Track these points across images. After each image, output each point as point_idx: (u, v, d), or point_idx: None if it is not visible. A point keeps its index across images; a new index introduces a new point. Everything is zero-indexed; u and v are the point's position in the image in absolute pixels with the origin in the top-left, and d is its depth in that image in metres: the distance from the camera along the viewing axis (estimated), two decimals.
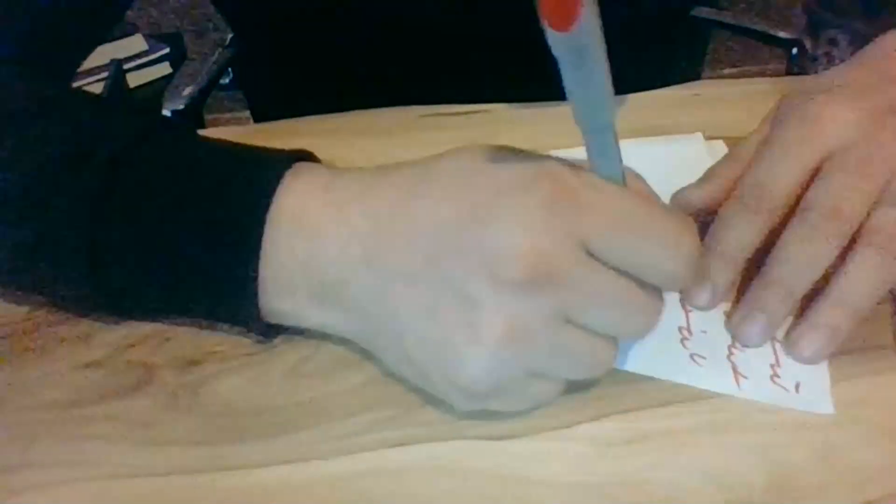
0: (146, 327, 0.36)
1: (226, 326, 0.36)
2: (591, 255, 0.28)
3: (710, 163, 0.45)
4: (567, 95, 0.27)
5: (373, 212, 0.30)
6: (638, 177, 0.32)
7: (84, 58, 0.49)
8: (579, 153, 0.47)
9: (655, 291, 0.30)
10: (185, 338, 0.36)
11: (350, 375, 0.33)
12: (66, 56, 0.47)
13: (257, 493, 0.30)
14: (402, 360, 0.31)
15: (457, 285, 0.28)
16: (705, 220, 0.38)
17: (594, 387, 0.33)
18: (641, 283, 0.29)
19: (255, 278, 0.31)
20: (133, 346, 0.35)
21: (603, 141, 0.29)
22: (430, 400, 0.32)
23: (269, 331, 0.34)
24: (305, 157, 0.34)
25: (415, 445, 0.31)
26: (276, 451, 0.31)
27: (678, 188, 0.42)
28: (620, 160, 0.30)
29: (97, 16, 0.48)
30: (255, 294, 0.32)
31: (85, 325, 0.36)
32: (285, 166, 0.32)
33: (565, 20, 0.23)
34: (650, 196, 0.32)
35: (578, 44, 0.24)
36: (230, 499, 0.29)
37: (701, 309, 0.36)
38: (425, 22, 0.52)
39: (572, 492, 0.29)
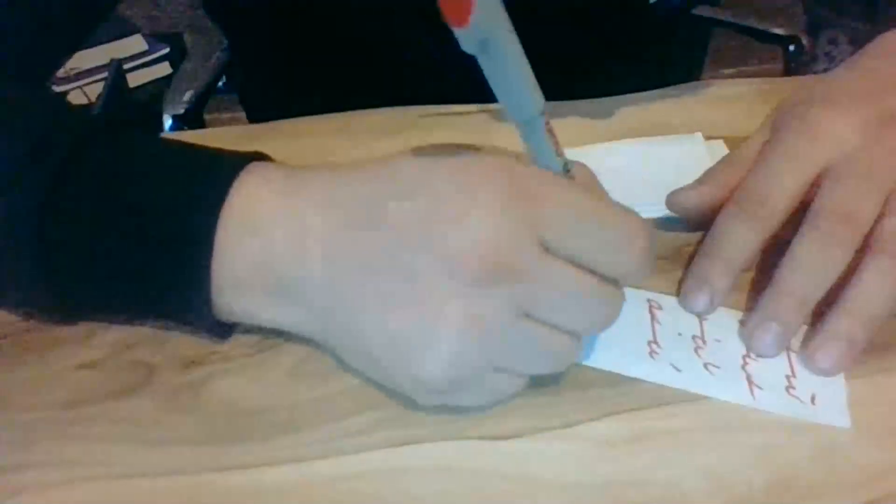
0: (146, 327, 0.36)
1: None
2: (547, 248, 0.28)
3: (709, 163, 0.45)
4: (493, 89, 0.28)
5: (329, 208, 0.30)
6: (585, 168, 0.32)
7: (61, 61, 0.49)
8: (580, 153, 0.48)
9: (614, 286, 0.30)
10: (185, 338, 0.35)
11: (350, 375, 0.33)
12: (40, 58, 0.46)
13: (257, 493, 0.30)
14: (361, 356, 0.32)
15: (416, 281, 0.28)
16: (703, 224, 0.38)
17: (594, 387, 0.33)
18: (599, 278, 0.29)
19: (209, 278, 0.31)
20: (133, 346, 0.35)
21: (534, 134, 0.29)
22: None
23: (221, 330, 0.34)
24: (261, 157, 0.34)
25: (415, 445, 0.31)
26: (276, 451, 0.31)
27: (677, 188, 0.42)
28: (558, 153, 0.30)
29: (74, 20, 0.48)
30: (209, 294, 0.32)
31: (85, 325, 0.36)
32: (239, 166, 0.32)
33: (461, 15, 0.24)
34: (598, 190, 0.32)
35: (481, 38, 0.25)
36: (230, 499, 0.29)
37: (699, 314, 0.36)
38: (424, 22, 0.52)
39: (572, 492, 0.29)
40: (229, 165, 0.32)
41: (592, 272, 0.29)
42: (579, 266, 0.29)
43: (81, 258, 0.32)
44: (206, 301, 0.32)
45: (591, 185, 0.32)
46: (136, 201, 0.32)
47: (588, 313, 0.30)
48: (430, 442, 0.31)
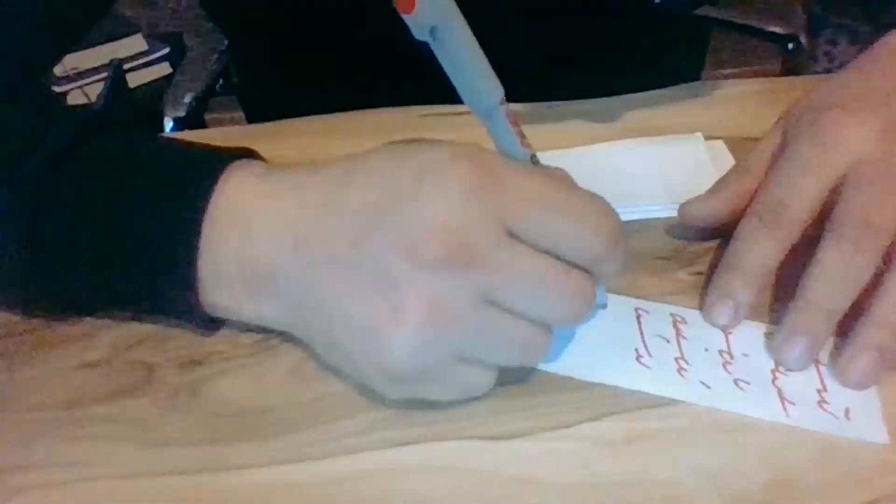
0: (146, 327, 0.36)
1: (226, 326, 0.36)
2: (512, 236, 0.28)
3: (709, 163, 0.45)
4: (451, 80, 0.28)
5: (302, 202, 0.31)
6: (560, 170, 0.32)
7: (56, 58, 0.49)
8: (580, 153, 0.48)
9: (585, 276, 0.30)
10: (185, 338, 0.35)
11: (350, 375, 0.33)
12: (35, 55, 0.46)
13: (257, 493, 0.30)
14: (331, 347, 0.31)
15: (379, 267, 0.28)
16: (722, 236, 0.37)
17: (594, 387, 0.33)
18: (568, 268, 0.29)
19: (194, 272, 0.32)
20: (133, 346, 0.35)
21: (495, 124, 0.30)
22: (431, 400, 0.32)
23: (211, 324, 0.34)
24: (249, 154, 0.35)
25: (415, 445, 0.31)
26: (276, 451, 0.31)
27: (678, 188, 0.42)
28: (524, 145, 0.31)
29: (71, 17, 0.48)
30: (195, 288, 0.32)
31: (85, 325, 0.36)
32: (226, 162, 0.33)
33: (408, 2, 0.25)
34: (567, 179, 0.32)
35: (430, 25, 0.26)
36: (230, 499, 0.29)
37: (724, 327, 0.35)
38: None
39: (572, 492, 0.29)
40: (216, 161, 0.33)
41: (561, 260, 0.29)
42: (547, 253, 0.29)
43: (71, 252, 0.33)
44: (192, 294, 0.32)
45: (562, 178, 0.32)
46: (125, 196, 0.32)
47: (555, 302, 0.29)
48: (430, 442, 0.31)
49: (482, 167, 0.29)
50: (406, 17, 0.25)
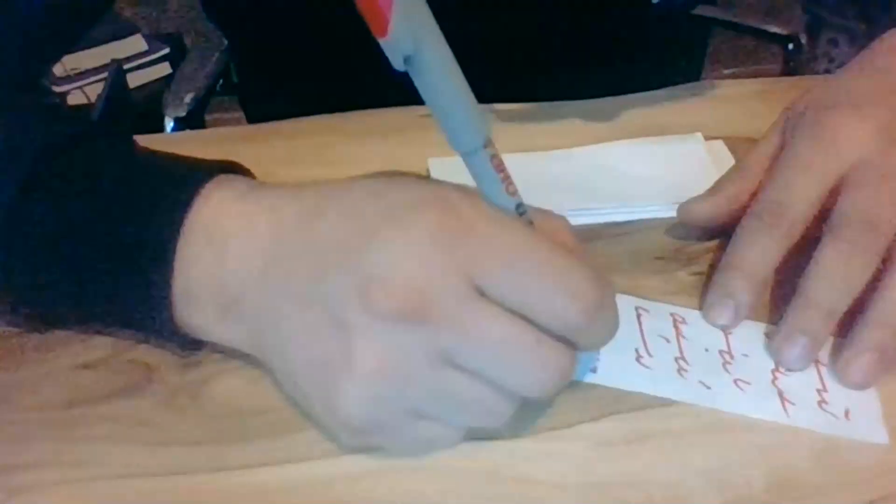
0: None
1: None
2: (482, 293, 0.26)
3: (709, 163, 0.45)
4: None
5: (277, 227, 0.30)
6: (560, 219, 0.30)
7: (50, 65, 0.48)
8: (580, 153, 0.48)
9: (560, 348, 0.27)
10: None
11: None
12: (28, 62, 0.46)
13: (257, 493, 0.30)
14: (289, 384, 0.31)
15: (335, 309, 0.27)
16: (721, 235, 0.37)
17: (594, 387, 0.33)
18: (540, 335, 0.27)
19: (168, 290, 0.31)
20: (133, 346, 0.35)
21: (477, 167, 0.27)
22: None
23: (192, 344, 0.34)
24: (232, 167, 0.34)
25: None
26: (276, 451, 0.31)
27: (678, 188, 0.42)
28: (509, 192, 0.27)
29: (64, 25, 0.47)
30: (170, 307, 0.31)
31: None
32: (206, 178, 0.32)
33: (379, 24, 0.22)
34: (565, 240, 0.30)
35: (405, 52, 0.23)
36: (230, 499, 0.29)
37: (724, 327, 0.35)
38: None
39: (572, 492, 0.29)
40: (195, 177, 0.32)
41: (536, 325, 0.26)
42: (520, 316, 0.26)
43: (47, 267, 0.32)
44: (167, 313, 0.31)
45: (558, 233, 0.30)
46: (101, 211, 0.31)
47: (519, 371, 0.27)
48: None
49: (454, 214, 0.27)
50: (382, 42, 0.23)
